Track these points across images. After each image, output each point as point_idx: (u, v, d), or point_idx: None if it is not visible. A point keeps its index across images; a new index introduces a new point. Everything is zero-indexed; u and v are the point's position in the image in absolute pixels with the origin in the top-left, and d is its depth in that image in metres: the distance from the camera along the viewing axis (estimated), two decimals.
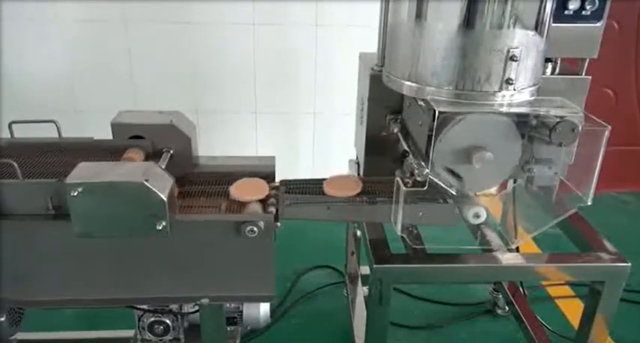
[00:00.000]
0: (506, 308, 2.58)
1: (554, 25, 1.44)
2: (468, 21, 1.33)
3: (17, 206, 1.41)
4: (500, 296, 2.61)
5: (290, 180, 1.68)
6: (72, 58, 3.24)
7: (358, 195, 1.59)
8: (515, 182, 1.60)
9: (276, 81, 3.41)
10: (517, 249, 1.65)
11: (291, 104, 3.50)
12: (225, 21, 3.21)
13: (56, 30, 3.16)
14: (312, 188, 1.64)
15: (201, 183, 1.68)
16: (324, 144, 3.63)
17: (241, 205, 1.55)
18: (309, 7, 3.22)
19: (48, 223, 1.41)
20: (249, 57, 3.32)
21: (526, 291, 2.47)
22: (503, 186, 1.63)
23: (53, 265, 1.47)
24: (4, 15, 3.10)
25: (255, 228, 1.40)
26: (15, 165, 1.39)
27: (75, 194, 1.28)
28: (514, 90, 1.38)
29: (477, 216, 1.46)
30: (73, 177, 1.31)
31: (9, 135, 1.69)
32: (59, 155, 1.63)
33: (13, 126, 1.67)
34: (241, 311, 1.76)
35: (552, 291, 2.79)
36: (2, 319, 1.79)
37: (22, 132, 1.68)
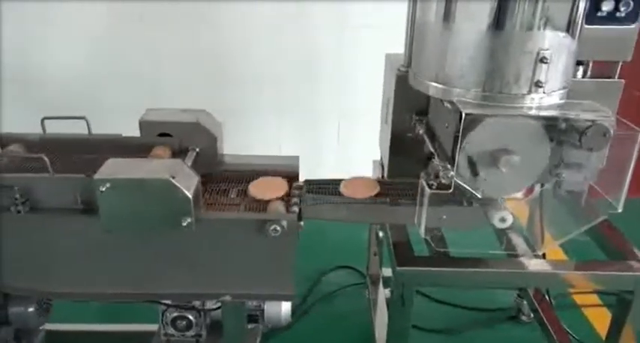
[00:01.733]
0: (531, 315, 2.53)
1: (586, 26, 1.40)
2: (498, 22, 1.31)
3: (47, 200, 1.44)
4: (525, 302, 2.56)
5: (313, 180, 1.69)
6: (99, 56, 3.31)
7: (377, 196, 1.58)
8: (542, 186, 1.57)
9: (301, 81, 3.42)
10: (544, 256, 1.62)
11: (315, 104, 3.51)
12: (249, 21, 3.23)
13: (83, 29, 3.23)
14: (335, 188, 1.64)
15: (226, 181, 1.70)
16: (348, 145, 3.62)
17: (265, 204, 1.56)
18: (334, 8, 3.22)
19: (76, 217, 1.44)
20: (273, 57, 3.34)
21: (552, 299, 2.42)
22: (530, 190, 1.60)
23: (80, 258, 1.50)
24: (31, 16, 3.18)
25: (278, 227, 1.41)
26: (46, 159, 1.42)
27: (103, 189, 1.31)
28: (543, 92, 1.35)
29: (503, 220, 1.44)
30: (101, 173, 1.33)
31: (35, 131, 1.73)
32: (89, 151, 1.67)
33: (45, 121, 1.71)
34: (263, 310, 1.76)
35: (579, 299, 2.73)
36: (31, 309, 1.84)
37: (53, 128, 1.72)
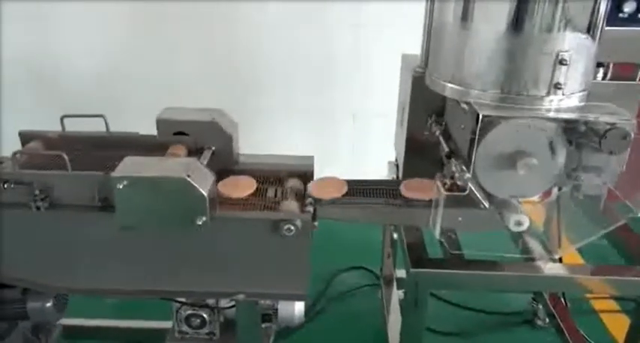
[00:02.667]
0: (547, 319, 2.50)
1: (607, 28, 1.38)
2: (517, 23, 1.30)
3: (66, 197, 1.46)
4: (541, 306, 2.53)
5: None
6: (117, 56, 3.35)
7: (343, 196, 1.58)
8: (560, 189, 1.55)
9: (316, 80, 3.42)
10: (560, 260, 1.60)
11: (330, 104, 3.51)
12: (265, 20, 3.24)
13: (102, 29, 3.27)
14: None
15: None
16: (362, 145, 3.62)
17: (278, 204, 1.56)
18: (350, 7, 3.22)
19: (94, 214, 1.46)
20: (289, 56, 3.34)
21: (568, 303, 2.39)
22: (547, 193, 1.58)
23: (97, 255, 1.52)
24: (50, 13, 3.22)
25: (292, 227, 1.41)
26: (65, 157, 1.44)
27: (120, 187, 1.32)
28: (562, 95, 1.34)
29: (519, 223, 1.42)
30: (119, 171, 1.35)
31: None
32: (107, 149, 1.69)
33: (65, 119, 1.73)
34: (276, 309, 1.77)
35: (596, 304, 2.69)
36: (49, 304, 1.86)
37: (72, 126, 1.75)
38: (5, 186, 1.43)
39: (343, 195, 1.58)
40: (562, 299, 2.35)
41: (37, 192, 1.43)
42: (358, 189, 1.63)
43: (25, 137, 1.73)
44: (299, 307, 1.78)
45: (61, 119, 1.73)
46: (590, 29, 1.31)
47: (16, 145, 1.70)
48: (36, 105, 3.42)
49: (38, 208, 1.43)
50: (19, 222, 1.48)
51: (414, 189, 1.58)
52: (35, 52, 3.35)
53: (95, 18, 3.24)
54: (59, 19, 3.25)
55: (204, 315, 1.74)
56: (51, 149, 1.64)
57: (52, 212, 1.45)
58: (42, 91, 3.45)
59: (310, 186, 1.61)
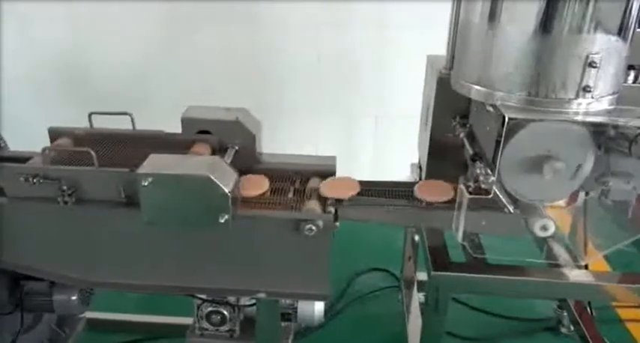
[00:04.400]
0: (571, 327, 2.45)
1: (639, 30, 1.35)
2: (545, 24, 1.27)
3: (92, 192, 1.49)
4: (566, 314, 2.48)
5: None
6: (143, 55, 3.41)
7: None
8: (587, 194, 1.52)
9: (339, 81, 3.41)
10: (586, 266, 1.56)
11: (353, 105, 3.50)
12: (289, 20, 3.25)
13: (130, 29, 3.32)
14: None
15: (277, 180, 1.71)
16: (385, 146, 3.60)
17: (301, 204, 1.56)
18: (375, 7, 3.20)
19: (119, 210, 1.48)
20: (312, 57, 3.35)
21: (594, 311, 2.34)
22: (574, 198, 1.55)
23: (121, 250, 1.54)
24: (85, 13, 3.29)
25: (314, 227, 1.41)
26: (92, 153, 1.47)
27: (145, 184, 1.34)
28: (592, 98, 1.31)
29: (545, 228, 1.40)
30: (144, 168, 1.37)
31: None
32: (132, 146, 1.72)
33: (92, 117, 1.77)
34: (296, 308, 1.77)
35: (623, 313, 2.62)
36: (74, 298, 1.90)
37: (100, 123, 1.78)
38: (34, 180, 1.46)
39: (357, 194, 1.57)
40: (587, 307, 2.30)
41: (64, 187, 1.46)
42: (372, 190, 1.63)
43: (54, 133, 1.77)
44: (319, 307, 1.78)
45: (89, 116, 1.76)
46: (621, 31, 1.28)
47: (46, 141, 1.74)
48: (65, 102, 3.50)
49: (66, 203, 1.46)
50: (47, 216, 1.52)
51: (428, 190, 1.57)
52: (66, 51, 3.43)
53: (124, 18, 3.30)
54: (90, 19, 3.32)
55: (225, 312, 1.75)
56: (79, 145, 1.68)
57: (79, 207, 1.48)
58: (71, 89, 3.53)
59: (322, 185, 1.61)
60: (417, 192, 1.58)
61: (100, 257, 1.56)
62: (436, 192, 1.57)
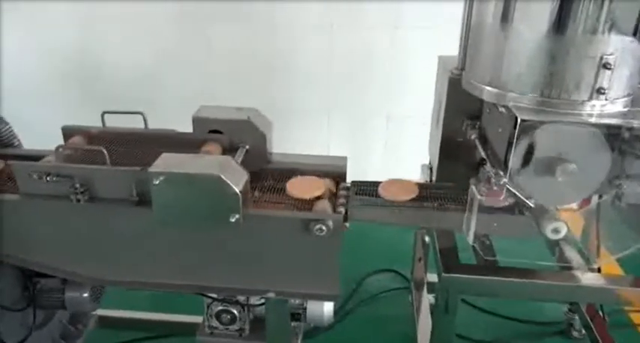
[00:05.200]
0: (583, 331, 2.42)
1: None
2: (559, 24, 1.26)
3: (105, 190, 1.50)
4: (577, 317, 2.46)
5: (360, 182, 1.68)
6: (156, 55, 3.43)
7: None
8: (600, 197, 1.50)
9: (351, 81, 3.41)
10: (599, 270, 1.55)
11: (364, 105, 3.49)
12: (302, 20, 3.26)
13: (143, 27, 3.35)
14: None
15: (274, 179, 1.72)
16: (396, 147, 3.59)
17: (311, 204, 1.56)
18: (387, 8, 3.19)
19: (131, 209, 1.49)
20: (324, 57, 3.35)
21: (606, 315, 2.31)
22: (587, 201, 1.54)
23: (132, 248, 1.55)
24: (97, 16, 3.32)
25: (324, 227, 1.41)
26: (105, 152, 1.48)
27: (157, 182, 1.35)
28: (605, 100, 1.30)
29: (557, 231, 1.38)
30: (155, 167, 1.38)
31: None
32: (144, 145, 1.73)
33: (105, 116, 1.78)
34: (305, 308, 1.77)
35: (636, 318, 2.59)
36: (86, 295, 1.92)
37: (112, 122, 1.79)
38: (48, 178, 1.48)
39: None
40: (599, 311, 2.27)
41: (77, 185, 1.47)
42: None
43: (68, 132, 1.79)
44: (328, 307, 1.78)
45: (102, 115, 1.78)
46: (636, 32, 1.27)
47: (59, 140, 1.76)
48: (79, 102, 3.53)
49: (78, 200, 1.48)
50: (60, 213, 1.53)
51: (391, 190, 1.58)
52: (80, 51, 3.46)
53: (137, 18, 3.33)
54: (103, 20, 3.35)
55: (235, 312, 1.75)
56: (92, 144, 1.70)
57: (91, 205, 1.50)
58: (85, 89, 3.56)
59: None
60: (381, 190, 1.59)
61: (111, 255, 1.58)
62: (399, 191, 1.59)
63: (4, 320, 1.79)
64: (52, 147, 1.62)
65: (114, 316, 2.41)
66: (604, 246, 1.57)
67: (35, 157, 1.65)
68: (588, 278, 1.47)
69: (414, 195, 1.57)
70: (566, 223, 1.40)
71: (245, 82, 3.42)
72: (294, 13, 3.24)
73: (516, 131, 1.27)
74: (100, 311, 2.29)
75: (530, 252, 1.53)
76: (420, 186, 1.63)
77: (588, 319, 2.29)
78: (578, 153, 1.30)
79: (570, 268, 1.52)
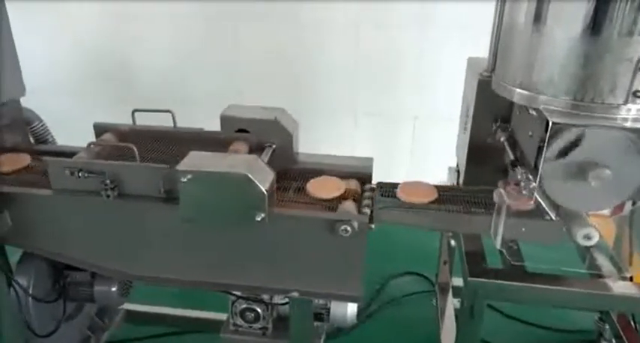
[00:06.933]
0: (613, 341, 2.36)
1: None
2: (594, 26, 1.23)
3: (133, 187, 1.53)
4: (607, 326, 2.39)
5: (386, 183, 1.67)
6: (186, 55, 3.47)
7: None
8: (634, 204, 1.45)
9: (379, 82, 3.39)
10: (631, 278, 1.50)
11: (391, 107, 3.47)
12: (330, 20, 3.25)
13: (172, 27, 3.40)
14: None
15: (300, 178, 1.72)
16: (423, 149, 3.55)
17: (336, 204, 1.56)
18: (416, 7, 3.16)
19: (159, 205, 1.52)
20: (352, 56, 3.33)
21: (638, 326, 2.24)
22: (620, 207, 1.49)
23: (160, 245, 1.58)
24: (128, 15, 3.39)
25: (349, 228, 1.41)
26: (135, 149, 1.51)
27: (185, 180, 1.37)
28: None
29: (588, 237, 1.35)
30: (183, 165, 1.40)
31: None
32: (173, 143, 1.75)
33: (135, 114, 1.82)
34: (329, 309, 1.77)
35: None
36: (114, 289, 1.96)
37: (142, 120, 1.83)
38: (79, 174, 1.51)
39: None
40: (631, 321, 2.21)
41: (107, 181, 1.50)
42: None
43: (99, 129, 1.83)
44: (352, 308, 1.78)
45: (132, 113, 1.81)
46: None
47: (91, 137, 1.80)
48: (111, 100, 3.61)
49: (108, 196, 1.51)
50: (90, 208, 1.57)
51: (409, 192, 1.57)
52: (111, 50, 3.53)
53: (166, 18, 3.38)
54: (134, 18, 3.41)
55: (259, 310, 1.77)
56: (122, 141, 1.73)
57: (120, 200, 1.52)
58: (117, 88, 3.64)
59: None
60: (399, 192, 1.58)
61: (139, 251, 1.61)
62: (418, 192, 1.58)
63: (35, 312, 1.84)
64: (84, 144, 1.65)
65: (140, 311, 2.45)
66: (637, 254, 1.52)
67: (68, 153, 1.69)
68: (620, 287, 1.43)
69: (432, 198, 1.56)
70: (598, 230, 1.37)
71: (271, 81, 3.43)
72: (320, 12, 3.23)
73: (547, 134, 1.24)
74: (128, 306, 2.34)
75: (560, 258, 1.49)
76: (439, 188, 1.61)
77: (619, 329, 2.23)
78: (612, 158, 1.26)
79: (601, 276, 1.48)
